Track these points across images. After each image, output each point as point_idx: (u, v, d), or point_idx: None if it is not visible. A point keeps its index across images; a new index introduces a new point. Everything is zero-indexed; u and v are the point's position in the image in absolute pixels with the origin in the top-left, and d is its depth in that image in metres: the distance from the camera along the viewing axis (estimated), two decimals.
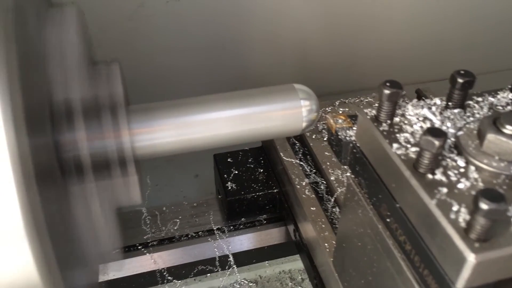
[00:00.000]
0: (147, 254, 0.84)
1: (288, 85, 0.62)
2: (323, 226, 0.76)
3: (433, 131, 0.43)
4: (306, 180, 0.84)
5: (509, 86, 0.55)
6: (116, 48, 1.10)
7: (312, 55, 1.32)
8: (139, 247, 0.84)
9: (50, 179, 0.44)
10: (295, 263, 0.95)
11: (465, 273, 0.39)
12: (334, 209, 0.78)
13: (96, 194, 0.49)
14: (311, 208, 0.79)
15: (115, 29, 1.10)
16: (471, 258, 0.38)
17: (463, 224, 0.40)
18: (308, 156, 0.89)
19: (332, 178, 0.82)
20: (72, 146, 0.47)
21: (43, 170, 0.41)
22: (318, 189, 0.83)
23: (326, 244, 0.73)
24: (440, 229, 0.41)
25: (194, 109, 0.57)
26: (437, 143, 0.42)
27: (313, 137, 0.90)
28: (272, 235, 0.90)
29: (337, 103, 0.95)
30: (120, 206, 0.55)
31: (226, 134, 0.58)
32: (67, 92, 0.47)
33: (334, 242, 0.72)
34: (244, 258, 0.90)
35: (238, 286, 0.92)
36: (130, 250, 0.84)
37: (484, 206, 0.36)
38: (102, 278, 0.79)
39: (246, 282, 0.93)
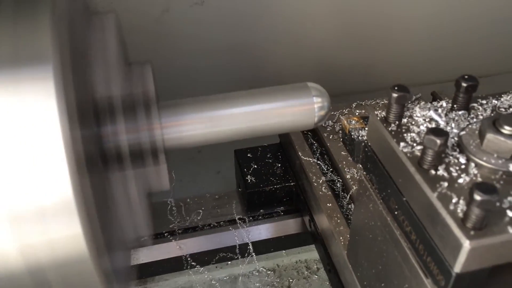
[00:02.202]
0: (173, 241, 0.90)
1: (302, 83, 0.67)
2: (339, 221, 0.81)
3: (436, 131, 0.47)
4: (323, 178, 0.88)
5: None
6: (142, 50, 1.16)
7: (330, 56, 1.36)
8: (166, 235, 0.91)
9: (95, 166, 0.50)
10: (311, 253, 1.00)
11: (462, 258, 0.43)
12: (349, 205, 0.83)
13: (133, 180, 0.56)
14: (328, 205, 0.84)
15: (141, 32, 1.17)
16: (466, 244, 0.42)
17: (460, 215, 0.44)
18: (325, 156, 0.94)
19: (348, 176, 0.86)
20: (114, 138, 0.53)
21: (90, 158, 0.48)
22: (335, 187, 0.88)
23: (341, 238, 0.78)
24: (440, 219, 0.45)
25: (217, 105, 0.63)
26: (438, 141, 0.46)
27: (330, 137, 0.95)
28: (289, 226, 0.96)
29: (353, 105, 0.99)
30: (151, 192, 0.61)
31: (246, 128, 0.64)
32: (109, 89, 0.53)
33: (348, 235, 0.77)
34: (263, 247, 0.95)
35: (257, 273, 0.97)
36: (157, 237, 0.91)
37: (478, 197, 0.41)
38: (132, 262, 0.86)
39: (264, 270, 0.98)
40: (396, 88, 0.53)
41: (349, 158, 0.90)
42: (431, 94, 1.06)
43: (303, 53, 1.33)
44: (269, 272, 0.99)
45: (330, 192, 0.85)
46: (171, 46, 1.20)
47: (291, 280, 0.98)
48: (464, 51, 1.46)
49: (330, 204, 0.83)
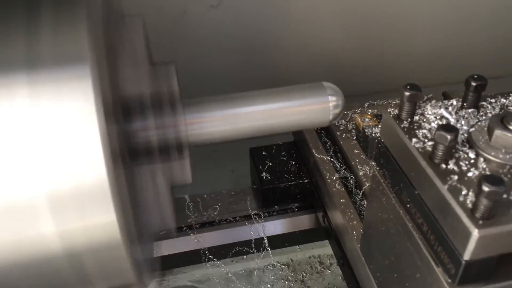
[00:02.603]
0: (191, 235, 0.94)
1: (318, 83, 0.70)
2: (352, 216, 0.84)
3: (446, 127, 0.50)
4: (336, 175, 0.91)
5: None
6: (160, 51, 1.20)
7: (341, 57, 1.38)
8: (184, 229, 0.94)
9: (126, 159, 0.54)
10: (324, 249, 1.03)
11: (471, 246, 0.46)
12: (362, 201, 0.86)
13: (161, 173, 0.59)
14: (341, 200, 0.87)
15: (160, 33, 1.21)
16: (475, 232, 0.45)
17: (470, 206, 0.47)
18: (338, 154, 0.97)
19: (361, 173, 0.89)
20: (144, 133, 0.57)
21: (122, 151, 0.51)
22: (348, 184, 0.91)
23: (354, 232, 0.81)
24: (451, 210, 0.48)
25: (238, 103, 0.66)
26: (449, 137, 0.49)
27: (343, 136, 0.98)
28: (303, 221, 0.99)
29: (366, 104, 1.02)
30: (174, 185, 0.65)
31: (265, 125, 0.67)
32: (139, 88, 0.57)
33: (361, 230, 0.80)
34: (278, 241, 0.98)
35: (272, 268, 1.00)
36: (176, 231, 0.94)
37: (486, 188, 0.44)
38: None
39: (279, 264, 1.01)
40: (408, 86, 0.56)
41: (362, 156, 0.92)
42: (442, 94, 1.08)
43: (315, 54, 1.36)
44: (283, 266, 1.02)
45: (343, 189, 0.88)
46: (187, 47, 1.24)
47: (304, 275, 1.01)
48: (475, 52, 1.47)
49: (344, 200, 0.86)
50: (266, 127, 0.66)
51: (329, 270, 1.02)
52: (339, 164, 0.94)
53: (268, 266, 1.01)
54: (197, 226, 0.96)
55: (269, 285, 0.99)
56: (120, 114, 0.55)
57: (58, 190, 0.46)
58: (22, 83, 0.45)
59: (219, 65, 1.30)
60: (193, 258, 0.96)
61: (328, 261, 1.03)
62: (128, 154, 0.57)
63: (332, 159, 0.95)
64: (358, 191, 0.88)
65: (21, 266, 0.50)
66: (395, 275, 0.64)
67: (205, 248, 0.95)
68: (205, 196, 1.03)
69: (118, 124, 0.53)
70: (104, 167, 0.46)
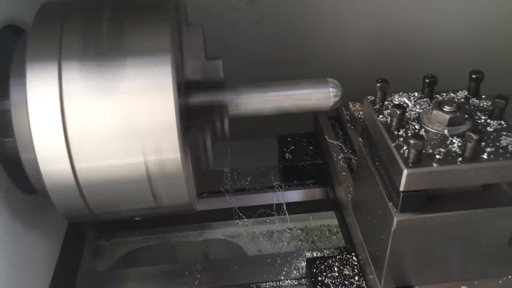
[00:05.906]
0: (227, 196, 1.21)
1: (324, 78, 0.95)
2: (349, 185, 1.08)
3: (397, 106, 0.75)
4: (342, 155, 1.16)
5: (467, 87, 0.85)
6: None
7: (367, 69, 1.61)
8: (222, 191, 1.22)
9: (185, 119, 0.82)
10: (333, 220, 1.27)
11: (403, 180, 0.70)
12: None
13: (209, 128, 0.87)
14: (342, 173, 1.12)
15: (212, 43, 1.49)
16: (405, 171, 0.70)
17: (405, 155, 0.72)
18: (347, 141, 1.22)
19: None
20: (199, 104, 0.85)
21: (184, 114, 0.79)
22: (351, 164, 1.15)
23: (349, 195, 1.06)
24: (395, 159, 0.73)
25: (264, 89, 0.92)
26: (398, 112, 0.74)
27: (352, 127, 1.23)
28: (315, 193, 1.24)
29: None
30: (218, 137, 0.92)
31: (283, 106, 0.93)
32: (197, 75, 0.86)
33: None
34: (294, 208, 1.24)
35: (289, 230, 1.26)
36: (215, 193, 1.22)
37: (411, 141, 0.68)
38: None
39: (295, 229, 1.26)
40: (380, 80, 0.82)
41: None
42: None
43: (341, 65, 1.60)
44: (298, 230, 1.27)
45: (345, 166, 1.13)
46: (232, 57, 1.52)
47: (315, 237, 1.25)
48: (496, 67, 1.62)
49: (345, 173, 1.11)
50: (283, 107, 0.93)
51: (335, 236, 1.25)
52: (346, 148, 1.19)
53: (286, 229, 1.26)
54: (232, 191, 1.24)
55: (285, 243, 1.24)
56: (184, 90, 0.84)
57: (147, 134, 0.74)
58: (132, 65, 0.74)
59: (257, 70, 1.57)
60: (227, 215, 1.23)
61: (335, 229, 1.27)
62: (187, 116, 0.85)
63: (340, 144, 1.20)
64: None
65: (117, 184, 0.77)
66: (369, 217, 0.88)
67: (236, 207, 1.22)
68: (240, 170, 1.31)
69: (183, 96, 0.81)
70: (174, 122, 0.73)
